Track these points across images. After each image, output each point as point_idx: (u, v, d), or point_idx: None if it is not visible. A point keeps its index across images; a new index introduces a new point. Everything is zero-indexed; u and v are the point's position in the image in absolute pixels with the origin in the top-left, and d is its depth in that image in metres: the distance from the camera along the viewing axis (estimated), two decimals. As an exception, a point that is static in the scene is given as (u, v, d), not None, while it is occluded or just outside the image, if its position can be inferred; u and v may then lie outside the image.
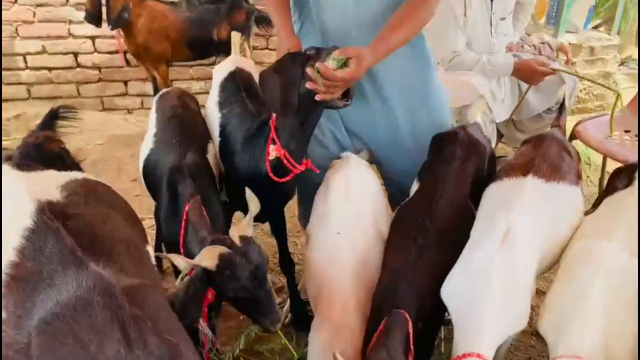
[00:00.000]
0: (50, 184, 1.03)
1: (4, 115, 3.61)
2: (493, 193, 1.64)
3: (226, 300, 1.44)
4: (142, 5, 3.17)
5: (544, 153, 1.67)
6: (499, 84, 2.76)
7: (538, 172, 1.59)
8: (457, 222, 1.59)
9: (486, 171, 1.78)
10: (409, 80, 1.82)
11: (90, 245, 0.91)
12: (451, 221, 1.59)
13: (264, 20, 3.63)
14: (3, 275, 0.82)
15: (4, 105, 3.75)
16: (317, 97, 1.49)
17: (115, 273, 0.89)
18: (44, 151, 1.62)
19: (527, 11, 2.99)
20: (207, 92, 4.01)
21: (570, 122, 3.43)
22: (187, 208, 1.53)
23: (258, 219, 2.02)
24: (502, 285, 1.30)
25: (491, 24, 2.65)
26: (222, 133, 1.89)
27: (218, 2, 3.40)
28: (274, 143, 1.62)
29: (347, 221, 1.62)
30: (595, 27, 4.28)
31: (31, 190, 0.92)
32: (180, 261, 1.30)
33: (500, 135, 3.09)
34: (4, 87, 3.76)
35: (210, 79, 4.03)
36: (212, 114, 1.97)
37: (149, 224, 2.58)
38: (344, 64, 1.47)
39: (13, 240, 0.84)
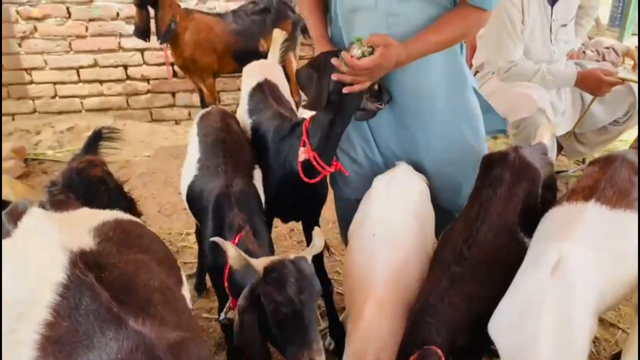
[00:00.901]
0: (82, 227, 0.98)
1: (57, 128, 3.72)
2: (550, 218, 1.49)
3: (265, 331, 1.29)
4: (188, 19, 3.18)
5: (611, 176, 1.49)
6: (559, 94, 2.57)
7: (602, 197, 1.42)
8: (501, 251, 1.46)
9: (543, 197, 1.63)
10: (441, 94, 1.70)
11: (127, 298, 0.86)
12: (493, 250, 1.46)
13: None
14: (37, 337, 0.78)
15: (58, 117, 3.87)
16: (345, 90, 1.48)
17: (156, 328, 0.83)
18: (86, 176, 1.60)
19: (590, 15, 2.78)
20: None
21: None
22: (237, 240, 1.45)
23: (293, 217, 2.06)
24: (554, 320, 1.17)
25: (551, 31, 2.47)
26: (255, 136, 1.92)
27: (264, 13, 3.36)
28: (305, 145, 1.66)
29: (385, 225, 1.54)
30: (665, 28, 3.96)
31: (64, 237, 0.88)
32: (233, 252, 1.20)
33: (560, 148, 2.90)
34: (58, 100, 3.88)
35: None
36: (244, 121, 2.02)
37: (194, 238, 2.57)
38: (370, 53, 1.44)
39: (46, 297, 0.80)
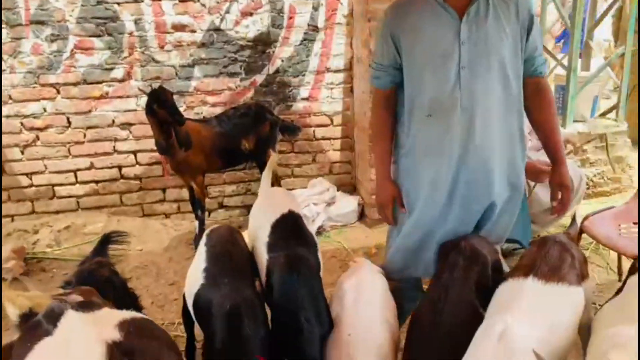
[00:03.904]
0: (109, 324, 1.25)
1: (55, 227, 3.97)
2: (499, 293, 1.78)
3: None
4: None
5: (545, 255, 1.81)
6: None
7: (538, 273, 1.73)
8: (463, 326, 1.70)
9: (492, 277, 1.92)
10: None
11: None
12: (456, 326, 1.72)
13: (287, 130, 3.98)
14: None
15: (55, 217, 4.12)
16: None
17: None
18: (95, 277, 1.85)
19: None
20: (239, 194, 4.30)
21: (586, 206, 3.54)
22: None
23: None
24: None
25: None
26: (269, 278, 1.98)
27: (244, 116, 3.76)
28: None
29: (357, 325, 1.79)
30: (602, 115, 4.47)
31: (98, 332, 1.16)
32: None
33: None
34: (56, 200, 4.16)
35: (241, 182, 4.37)
36: (261, 253, 2.08)
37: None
38: None
39: None
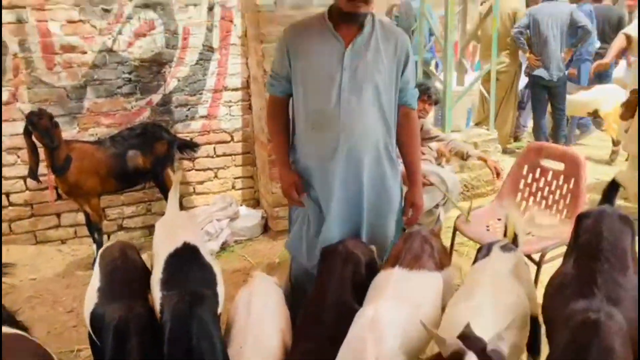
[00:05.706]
0: None
1: None
2: (373, 285, 2.02)
3: None
4: (70, 147, 3.46)
5: (409, 247, 2.08)
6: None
7: (403, 263, 1.99)
8: (341, 321, 1.88)
9: (367, 274, 2.11)
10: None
11: None
12: (336, 323, 1.90)
13: (186, 147, 4.03)
14: None
15: None
16: None
17: None
18: None
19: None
20: (139, 215, 4.25)
21: (466, 204, 3.94)
22: None
23: None
24: (373, 355, 1.62)
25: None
26: (162, 316, 1.89)
27: (140, 136, 3.76)
28: None
29: (248, 335, 1.91)
30: (476, 124, 4.99)
31: None
32: None
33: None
34: None
35: (140, 202, 4.31)
36: (155, 291, 2.02)
37: (87, 354, 2.72)
38: None
39: None
